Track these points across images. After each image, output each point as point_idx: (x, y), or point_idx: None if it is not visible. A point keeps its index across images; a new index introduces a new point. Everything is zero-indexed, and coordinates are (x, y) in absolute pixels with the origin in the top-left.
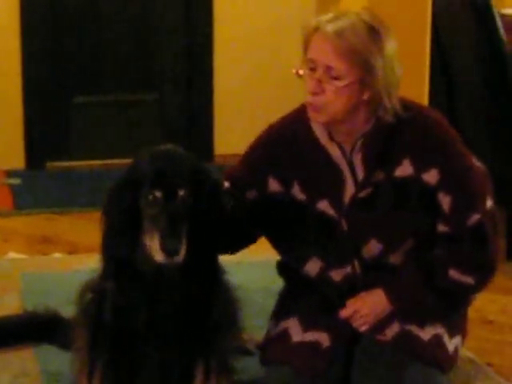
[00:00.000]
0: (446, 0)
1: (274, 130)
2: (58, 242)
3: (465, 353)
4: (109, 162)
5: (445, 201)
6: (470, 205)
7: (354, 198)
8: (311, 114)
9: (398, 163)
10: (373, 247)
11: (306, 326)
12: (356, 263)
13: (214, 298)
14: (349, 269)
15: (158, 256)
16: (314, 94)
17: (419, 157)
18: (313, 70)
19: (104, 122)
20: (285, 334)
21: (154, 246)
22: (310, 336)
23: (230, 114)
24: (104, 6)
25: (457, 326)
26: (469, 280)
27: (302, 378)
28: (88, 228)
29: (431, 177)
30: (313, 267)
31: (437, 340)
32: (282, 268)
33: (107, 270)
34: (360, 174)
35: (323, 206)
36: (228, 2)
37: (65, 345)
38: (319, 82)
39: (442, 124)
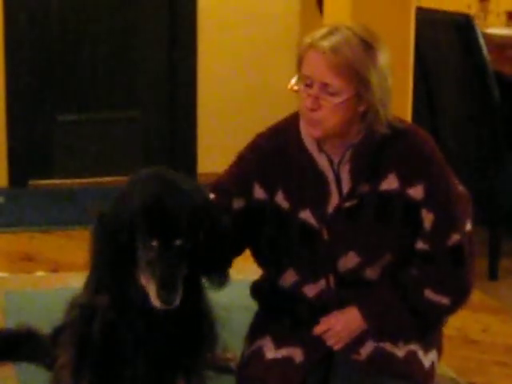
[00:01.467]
0: (428, 19)
1: (263, 138)
2: (41, 261)
3: (447, 372)
4: (92, 180)
5: (427, 218)
6: (452, 225)
7: (338, 209)
8: (308, 129)
9: (384, 177)
10: (350, 260)
11: (279, 343)
12: (331, 278)
13: (198, 319)
14: (323, 284)
15: (155, 302)
16: (312, 110)
17: (406, 172)
18: (309, 86)
19: (87, 140)
20: (258, 353)
21: (150, 292)
22: (283, 352)
23: (214, 131)
24: (88, 23)
25: (431, 341)
26: (444, 301)
27: None
28: (71, 246)
29: (416, 192)
30: (288, 280)
31: (412, 356)
32: (256, 290)
33: (102, 287)
34: (346, 186)
35: (305, 215)
36: (212, 19)
37: (42, 362)
38: (316, 98)
39: (430, 143)
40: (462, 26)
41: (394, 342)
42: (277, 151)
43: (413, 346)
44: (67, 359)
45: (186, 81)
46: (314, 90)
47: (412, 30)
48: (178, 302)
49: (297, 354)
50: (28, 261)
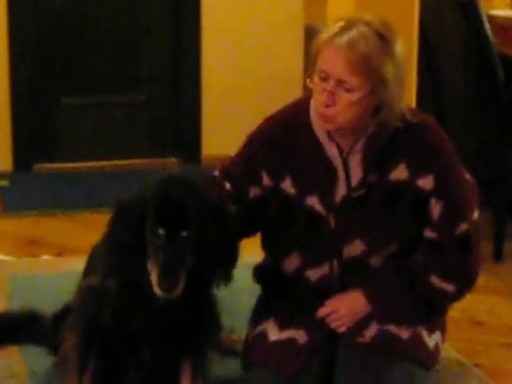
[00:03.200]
0: (433, 2)
1: (272, 123)
2: (46, 244)
3: (453, 354)
4: (96, 163)
5: (436, 207)
6: (460, 214)
7: (346, 198)
8: (321, 122)
9: (394, 167)
10: (356, 247)
11: (283, 326)
12: (335, 263)
13: (203, 305)
14: (326, 269)
15: (156, 290)
16: (327, 106)
17: (416, 162)
18: (324, 80)
19: (91, 124)
20: (262, 336)
21: (153, 279)
22: (287, 334)
23: (218, 115)
24: (91, 7)
25: (435, 323)
26: (449, 288)
27: (281, 377)
28: (76, 230)
29: (426, 183)
30: (291, 264)
31: (416, 337)
32: (259, 274)
33: (112, 271)
34: (354, 174)
35: (312, 201)
36: (217, 5)
37: (45, 345)
38: (331, 93)
39: (441, 133)
40: (467, 7)
41: (398, 324)
42: (285, 137)
43: (417, 328)
44: (74, 342)
45: (191, 65)
46: (330, 86)
47: (416, 14)
48: (178, 291)
49: (300, 336)
50: (33, 244)
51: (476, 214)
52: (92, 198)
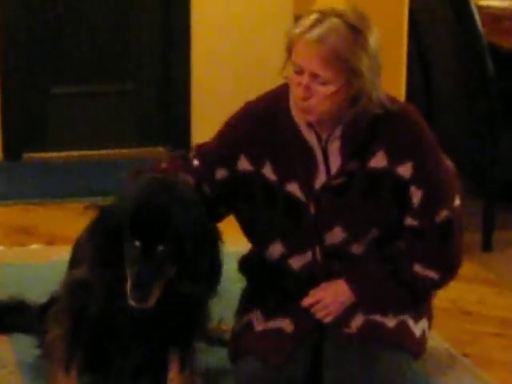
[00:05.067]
0: None
1: (252, 109)
2: (36, 233)
3: (441, 343)
4: (86, 152)
5: (416, 195)
6: (440, 201)
7: (326, 185)
8: (300, 114)
9: (373, 154)
10: (337, 235)
11: (269, 316)
12: (317, 250)
13: (189, 299)
14: (309, 256)
15: (129, 299)
16: (304, 99)
17: (395, 150)
18: (299, 73)
19: (81, 113)
20: (248, 326)
21: (127, 289)
22: (273, 324)
23: (207, 103)
24: None
25: (421, 310)
26: (432, 275)
27: (268, 366)
28: (66, 219)
29: (405, 170)
30: (274, 252)
31: (402, 326)
32: (244, 264)
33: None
34: (334, 162)
35: (292, 188)
36: None
37: (32, 333)
38: (307, 87)
39: (420, 121)
40: None
41: (384, 313)
42: (266, 122)
43: (403, 316)
44: (61, 332)
45: (180, 53)
46: (305, 79)
47: (406, 3)
48: (151, 303)
49: (286, 325)
50: (23, 233)
51: (457, 202)
52: (82, 186)
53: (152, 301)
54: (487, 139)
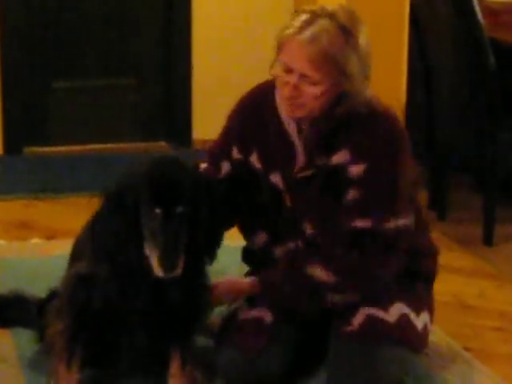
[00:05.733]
0: None
1: (243, 101)
2: (36, 228)
3: (442, 337)
4: (87, 146)
5: (351, 194)
6: (365, 210)
7: (296, 177)
8: (289, 111)
9: (337, 151)
10: (308, 228)
11: (252, 305)
12: (300, 241)
13: (197, 288)
14: (292, 246)
15: (157, 271)
16: (291, 98)
17: (356, 150)
18: (287, 72)
19: (82, 107)
20: (233, 315)
21: (153, 261)
22: (254, 313)
23: (209, 98)
24: None
25: (422, 303)
26: (326, 278)
27: (246, 355)
28: (66, 213)
29: (356, 170)
30: (259, 240)
31: (404, 320)
32: (246, 255)
33: (101, 255)
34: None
35: (275, 179)
36: None
37: (32, 327)
38: (295, 86)
39: (395, 129)
40: None
41: (384, 308)
42: (254, 113)
43: (404, 309)
44: (62, 327)
45: (182, 48)
46: (294, 79)
47: None
48: (179, 271)
49: (267, 315)
50: (23, 228)
51: (398, 222)
52: (83, 181)
53: (180, 268)
54: (488, 134)
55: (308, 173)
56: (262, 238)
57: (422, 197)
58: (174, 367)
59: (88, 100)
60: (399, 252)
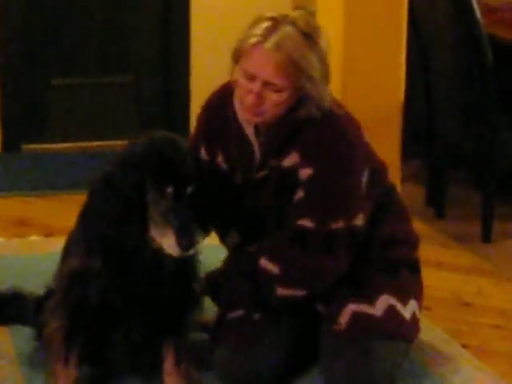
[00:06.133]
0: None
1: (209, 101)
2: (35, 225)
3: (440, 334)
4: (86, 144)
5: (298, 194)
6: (309, 211)
7: (253, 177)
8: (248, 116)
9: (288, 154)
10: (270, 227)
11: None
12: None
13: (190, 279)
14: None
15: (174, 251)
16: (255, 106)
17: (306, 153)
18: (250, 79)
19: (81, 104)
20: (223, 314)
21: (167, 241)
22: (244, 311)
23: (207, 94)
24: None
25: (408, 292)
26: (273, 269)
27: (234, 352)
28: (65, 211)
29: (305, 174)
30: (232, 240)
31: (391, 312)
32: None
33: (93, 249)
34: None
35: (238, 179)
36: None
37: (29, 324)
38: (258, 94)
39: (350, 134)
40: None
41: (370, 302)
42: (218, 114)
43: (390, 300)
44: (59, 324)
45: (180, 44)
46: (257, 87)
47: None
48: (196, 248)
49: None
50: (21, 225)
51: (338, 224)
52: (81, 178)
53: (196, 245)
54: (486, 130)
55: (264, 174)
56: (234, 237)
57: (421, 194)
58: (169, 364)
59: (86, 97)
60: (349, 251)
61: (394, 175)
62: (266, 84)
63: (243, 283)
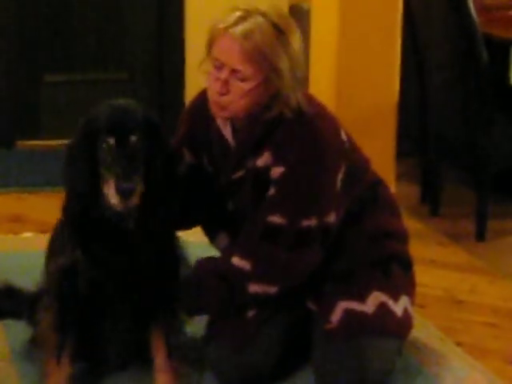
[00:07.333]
0: None
1: (192, 103)
2: (29, 221)
3: (434, 332)
4: None
5: (270, 191)
6: (279, 207)
7: (231, 178)
8: (215, 110)
9: (262, 154)
10: None
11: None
12: None
13: (172, 262)
14: None
15: (114, 200)
16: (220, 94)
17: (278, 152)
18: (218, 68)
19: (74, 101)
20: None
21: (110, 192)
22: (238, 308)
23: None
24: None
25: (399, 288)
26: (247, 267)
27: (230, 351)
28: (58, 207)
29: (276, 172)
30: (221, 242)
31: (382, 309)
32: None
33: (74, 238)
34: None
35: (221, 180)
36: None
37: (23, 318)
38: (225, 82)
39: (322, 131)
40: None
41: (361, 300)
42: (200, 117)
43: (382, 298)
44: (50, 319)
45: (174, 42)
46: (224, 74)
47: None
48: (136, 198)
49: (250, 308)
50: (15, 222)
51: (312, 221)
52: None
53: (137, 196)
54: (481, 129)
55: (241, 174)
56: (223, 239)
57: (415, 192)
58: (160, 360)
59: (80, 94)
60: (321, 247)
61: (389, 173)
62: (233, 72)
63: (218, 284)
